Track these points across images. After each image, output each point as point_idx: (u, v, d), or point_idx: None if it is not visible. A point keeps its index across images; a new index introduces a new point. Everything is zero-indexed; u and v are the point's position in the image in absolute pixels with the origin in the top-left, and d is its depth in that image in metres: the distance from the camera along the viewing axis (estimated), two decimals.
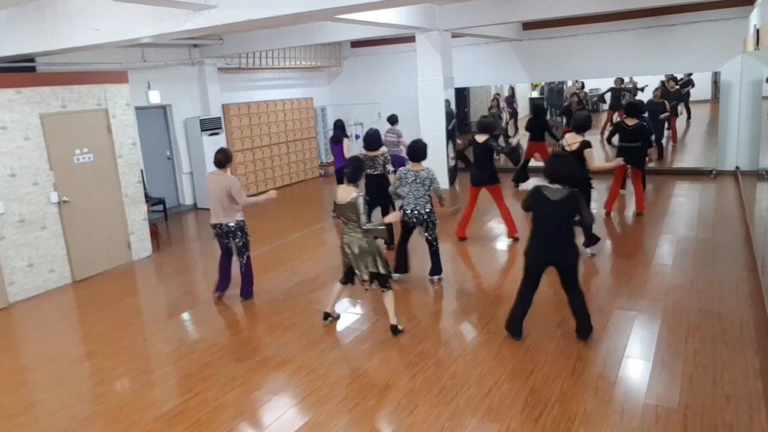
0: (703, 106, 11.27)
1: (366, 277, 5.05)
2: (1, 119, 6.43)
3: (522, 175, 10.83)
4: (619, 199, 8.87)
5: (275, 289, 6.43)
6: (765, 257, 5.27)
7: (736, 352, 4.40)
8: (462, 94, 12.79)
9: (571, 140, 6.75)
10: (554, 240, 4.54)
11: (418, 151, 6.07)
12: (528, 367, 4.38)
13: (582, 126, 6.79)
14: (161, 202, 9.72)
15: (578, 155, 6.50)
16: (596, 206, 8.53)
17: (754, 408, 3.70)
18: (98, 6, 5.38)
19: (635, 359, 4.42)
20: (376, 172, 7.24)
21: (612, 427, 3.60)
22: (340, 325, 5.43)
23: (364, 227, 4.95)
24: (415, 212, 6.06)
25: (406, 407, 3.96)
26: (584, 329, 4.72)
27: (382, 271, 5.03)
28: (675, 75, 11.15)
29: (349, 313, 5.67)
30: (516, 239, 7.55)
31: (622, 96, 11.67)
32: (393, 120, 10.40)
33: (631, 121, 8.20)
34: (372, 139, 7.24)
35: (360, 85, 13.95)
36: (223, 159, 5.97)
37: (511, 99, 13.12)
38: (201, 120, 10.62)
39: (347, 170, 5.09)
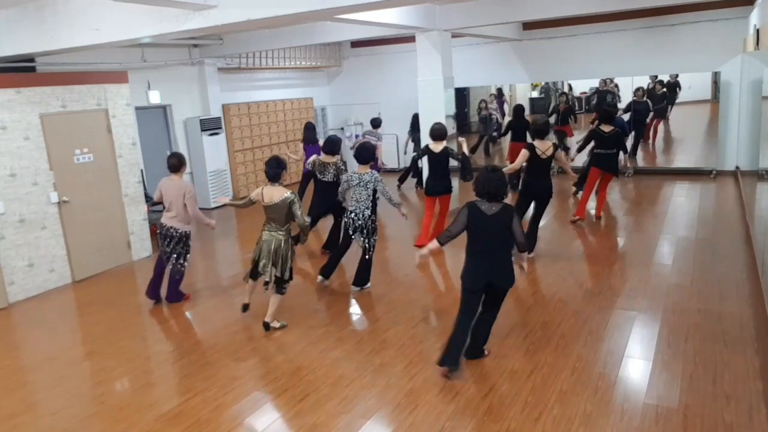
0: (703, 106, 11.27)
1: (268, 279, 5.22)
2: (1, 119, 6.43)
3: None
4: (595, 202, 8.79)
5: None
6: (765, 257, 5.27)
7: (736, 352, 4.40)
8: (462, 94, 12.78)
9: (544, 147, 6.58)
10: (493, 258, 4.22)
11: (363, 152, 6.05)
12: (528, 367, 4.38)
13: (541, 131, 6.74)
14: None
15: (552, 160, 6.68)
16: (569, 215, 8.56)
17: (754, 408, 3.70)
18: (98, 6, 5.38)
19: (635, 359, 4.43)
20: (325, 179, 7.16)
21: (612, 427, 3.60)
22: (340, 326, 5.43)
23: (303, 223, 5.17)
24: (353, 216, 5.95)
25: (406, 407, 3.97)
26: (476, 351, 4.52)
27: (286, 277, 5.25)
28: (661, 78, 11.19)
29: (348, 314, 5.67)
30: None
31: (607, 97, 11.73)
32: (375, 123, 10.49)
33: (607, 128, 7.97)
34: (331, 145, 7.20)
35: (360, 85, 13.94)
36: (176, 163, 5.98)
37: (501, 100, 13.09)
38: (201, 120, 10.62)
39: (268, 169, 5.19)
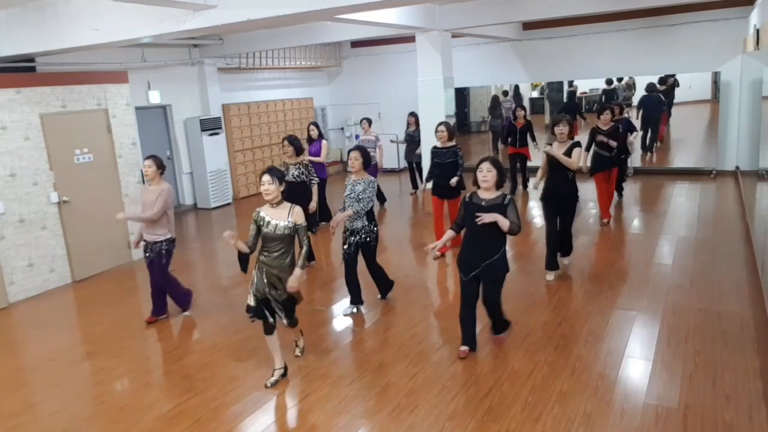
0: (703, 106, 11.27)
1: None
2: (1, 119, 6.43)
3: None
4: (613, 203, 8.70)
5: None
6: (765, 257, 5.27)
7: (736, 352, 4.40)
8: (462, 94, 12.78)
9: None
10: (480, 247, 4.34)
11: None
12: (528, 367, 4.38)
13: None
14: None
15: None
16: (594, 221, 8.55)
17: (754, 408, 3.70)
18: (98, 6, 5.38)
19: (635, 359, 4.42)
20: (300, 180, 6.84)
21: (612, 427, 3.60)
22: (340, 326, 5.43)
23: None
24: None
25: (406, 407, 3.96)
26: (497, 326, 4.75)
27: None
28: (664, 76, 11.20)
29: (348, 314, 5.66)
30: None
31: (615, 97, 11.71)
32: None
33: (605, 125, 7.83)
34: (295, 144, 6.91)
35: (360, 85, 13.95)
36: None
37: (519, 100, 12.69)
38: (201, 120, 10.62)
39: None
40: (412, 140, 10.48)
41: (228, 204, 11.25)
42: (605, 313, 5.25)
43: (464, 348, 4.60)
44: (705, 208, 8.61)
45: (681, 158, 11.65)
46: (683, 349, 4.50)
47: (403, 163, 13.35)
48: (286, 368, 4.48)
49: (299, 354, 4.76)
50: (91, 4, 5.43)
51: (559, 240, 6.07)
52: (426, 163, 8.08)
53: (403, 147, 11.28)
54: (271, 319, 4.35)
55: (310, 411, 4.01)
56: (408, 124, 10.62)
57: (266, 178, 4.15)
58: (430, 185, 7.20)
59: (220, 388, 4.39)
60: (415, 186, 10.91)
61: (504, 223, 4.18)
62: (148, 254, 5.64)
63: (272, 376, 4.41)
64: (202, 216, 10.55)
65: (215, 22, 4.82)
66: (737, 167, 10.51)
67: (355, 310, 5.63)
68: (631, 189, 10.16)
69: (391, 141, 11.21)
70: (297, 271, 4.25)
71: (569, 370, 4.29)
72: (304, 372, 4.54)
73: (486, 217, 4.17)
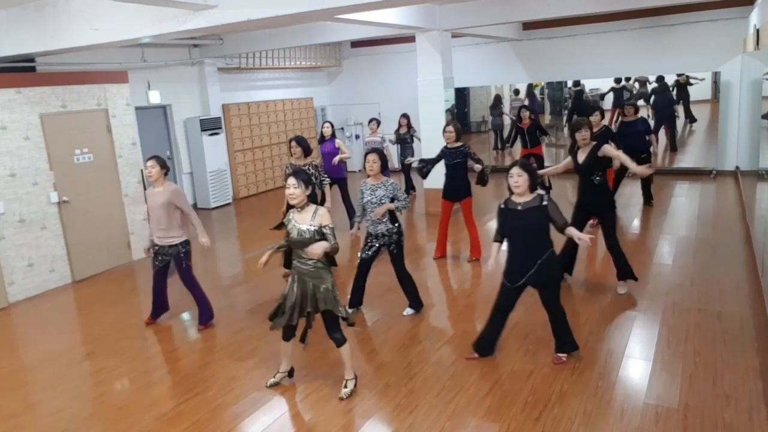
0: (703, 106, 11.27)
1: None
2: (1, 119, 6.43)
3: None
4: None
5: (275, 290, 6.42)
6: (765, 257, 5.27)
7: (736, 352, 4.40)
8: (462, 94, 12.78)
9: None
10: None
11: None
12: (528, 367, 4.38)
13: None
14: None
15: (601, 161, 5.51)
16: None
17: (754, 408, 3.70)
18: (98, 6, 5.38)
19: (635, 359, 4.42)
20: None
21: (612, 427, 3.60)
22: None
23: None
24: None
25: (406, 407, 3.96)
26: (567, 345, 4.48)
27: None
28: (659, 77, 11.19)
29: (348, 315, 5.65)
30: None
31: (623, 95, 11.69)
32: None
33: (596, 127, 7.62)
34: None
35: (360, 85, 13.95)
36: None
37: (533, 101, 12.42)
38: (201, 120, 10.63)
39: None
40: (404, 142, 10.41)
41: (228, 204, 11.25)
42: (605, 313, 5.25)
43: (475, 354, 4.56)
44: (705, 208, 8.61)
45: (681, 158, 11.65)
46: (683, 349, 4.50)
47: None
48: (291, 371, 4.46)
49: (344, 397, 4.13)
50: (91, 4, 5.43)
51: (613, 258, 5.66)
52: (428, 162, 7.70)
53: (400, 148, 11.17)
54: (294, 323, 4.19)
55: (310, 411, 4.02)
56: (399, 125, 10.49)
57: (291, 181, 3.94)
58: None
59: (220, 388, 4.39)
60: (411, 187, 10.85)
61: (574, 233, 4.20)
62: (160, 259, 5.40)
63: (273, 377, 4.41)
64: (202, 216, 10.43)
65: (215, 22, 4.82)
66: (737, 167, 10.51)
67: (354, 310, 5.63)
68: (631, 189, 10.16)
69: (390, 141, 10.94)
70: (324, 244, 3.88)
71: (569, 370, 4.29)
72: (304, 372, 4.54)
73: (581, 236, 4.21)
